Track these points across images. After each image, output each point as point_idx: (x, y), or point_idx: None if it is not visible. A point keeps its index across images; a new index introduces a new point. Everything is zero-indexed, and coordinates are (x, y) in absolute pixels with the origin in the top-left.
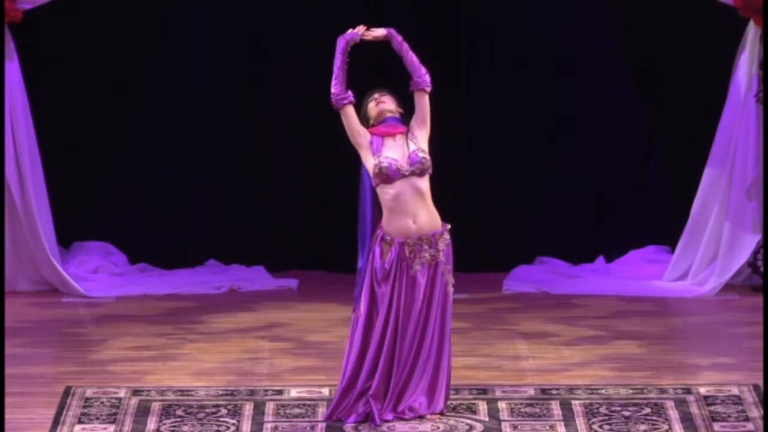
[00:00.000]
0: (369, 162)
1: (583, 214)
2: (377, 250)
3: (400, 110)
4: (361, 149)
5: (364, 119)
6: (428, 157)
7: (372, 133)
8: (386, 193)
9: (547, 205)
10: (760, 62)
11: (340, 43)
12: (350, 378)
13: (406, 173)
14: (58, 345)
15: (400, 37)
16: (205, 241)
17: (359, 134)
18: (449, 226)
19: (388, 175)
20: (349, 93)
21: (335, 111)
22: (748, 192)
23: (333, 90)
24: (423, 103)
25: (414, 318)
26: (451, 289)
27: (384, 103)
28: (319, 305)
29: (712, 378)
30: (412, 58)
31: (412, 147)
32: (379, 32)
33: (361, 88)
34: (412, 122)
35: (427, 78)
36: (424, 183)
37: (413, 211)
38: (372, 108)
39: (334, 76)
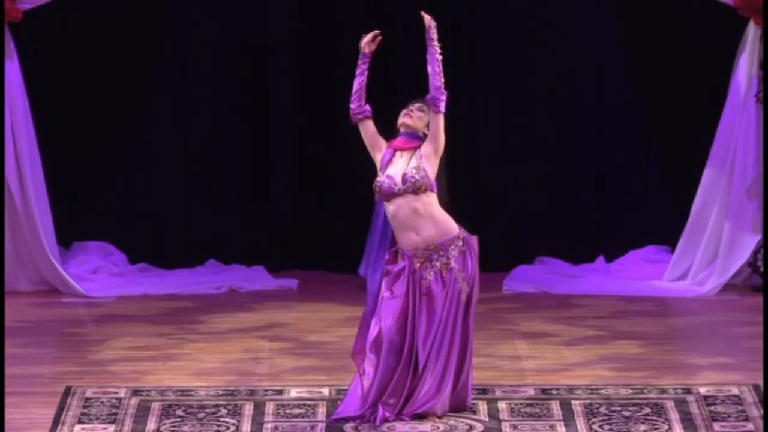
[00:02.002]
0: None
1: (583, 214)
2: (387, 257)
3: (426, 132)
4: (376, 163)
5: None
6: (423, 175)
7: (388, 145)
8: (387, 209)
9: (547, 205)
10: (760, 62)
11: (360, 56)
12: (362, 389)
13: (399, 192)
14: (58, 345)
15: (436, 42)
16: (205, 241)
17: (375, 148)
18: (465, 235)
19: (383, 194)
20: (367, 107)
21: (353, 124)
22: (748, 192)
23: (351, 105)
24: (434, 122)
25: (433, 329)
26: (464, 297)
27: (409, 118)
28: (319, 305)
29: (712, 378)
30: (435, 69)
31: (412, 165)
32: (428, 24)
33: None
34: (426, 139)
35: (442, 99)
36: (421, 201)
37: (413, 226)
38: (400, 116)
39: (353, 90)
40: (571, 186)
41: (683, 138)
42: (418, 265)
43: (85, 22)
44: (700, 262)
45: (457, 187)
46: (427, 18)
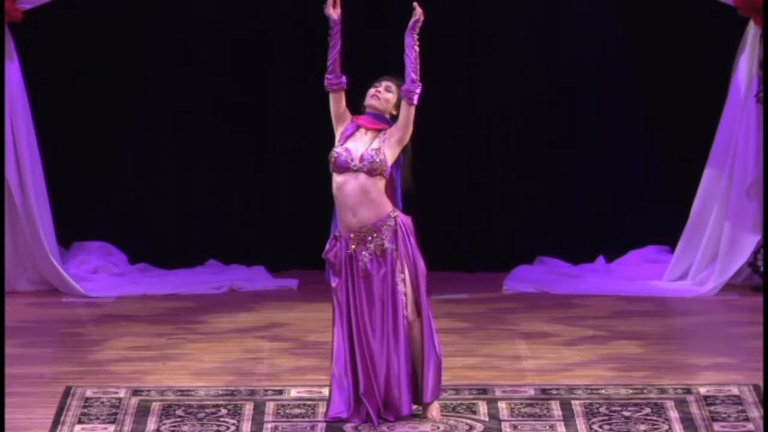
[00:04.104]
0: None
1: (583, 214)
2: (326, 247)
3: (394, 112)
4: (336, 133)
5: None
6: (382, 159)
7: (353, 119)
8: (334, 181)
9: (547, 205)
10: (760, 62)
11: (331, 25)
12: (338, 375)
13: (354, 168)
14: (58, 345)
15: (416, 34)
16: (205, 241)
17: (340, 119)
18: (397, 214)
19: (336, 166)
20: (343, 79)
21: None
22: (748, 192)
23: (327, 75)
24: (406, 113)
25: (377, 313)
26: (399, 276)
27: (376, 100)
28: (319, 305)
29: (712, 378)
30: (411, 60)
31: (374, 145)
32: (418, 17)
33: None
34: (394, 125)
35: (416, 92)
36: (372, 182)
37: (353, 205)
38: (368, 96)
39: (329, 62)
40: (571, 186)
41: (683, 138)
42: (353, 247)
43: (85, 22)
44: (700, 262)
45: (457, 187)
46: (418, 11)
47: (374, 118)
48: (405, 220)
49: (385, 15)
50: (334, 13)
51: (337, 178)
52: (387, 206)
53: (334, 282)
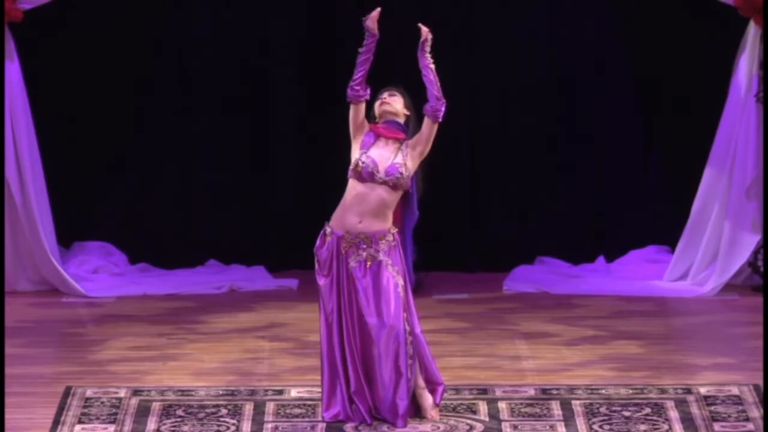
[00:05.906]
0: (354, 155)
1: (583, 214)
2: (317, 243)
3: (407, 112)
4: (354, 141)
5: (371, 113)
6: (408, 174)
7: (371, 129)
8: (353, 188)
9: (547, 205)
10: (760, 62)
11: (369, 37)
12: (330, 373)
13: (378, 180)
14: (58, 345)
15: (428, 54)
16: (205, 241)
17: (359, 129)
18: (396, 231)
19: (361, 175)
20: (368, 91)
21: (346, 102)
22: (748, 192)
23: (355, 86)
24: (429, 130)
25: (365, 315)
26: (400, 291)
27: (388, 105)
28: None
29: (712, 378)
30: (430, 78)
31: (398, 159)
32: (425, 37)
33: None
34: (414, 138)
35: (441, 110)
36: (392, 197)
37: (364, 213)
38: (377, 107)
39: (359, 74)
40: (571, 186)
41: (683, 138)
42: (345, 248)
43: (85, 22)
44: (700, 262)
45: (457, 187)
46: (424, 30)
47: (392, 126)
48: (398, 237)
49: (387, 25)
50: (375, 27)
51: (356, 186)
52: (390, 221)
53: (321, 280)
